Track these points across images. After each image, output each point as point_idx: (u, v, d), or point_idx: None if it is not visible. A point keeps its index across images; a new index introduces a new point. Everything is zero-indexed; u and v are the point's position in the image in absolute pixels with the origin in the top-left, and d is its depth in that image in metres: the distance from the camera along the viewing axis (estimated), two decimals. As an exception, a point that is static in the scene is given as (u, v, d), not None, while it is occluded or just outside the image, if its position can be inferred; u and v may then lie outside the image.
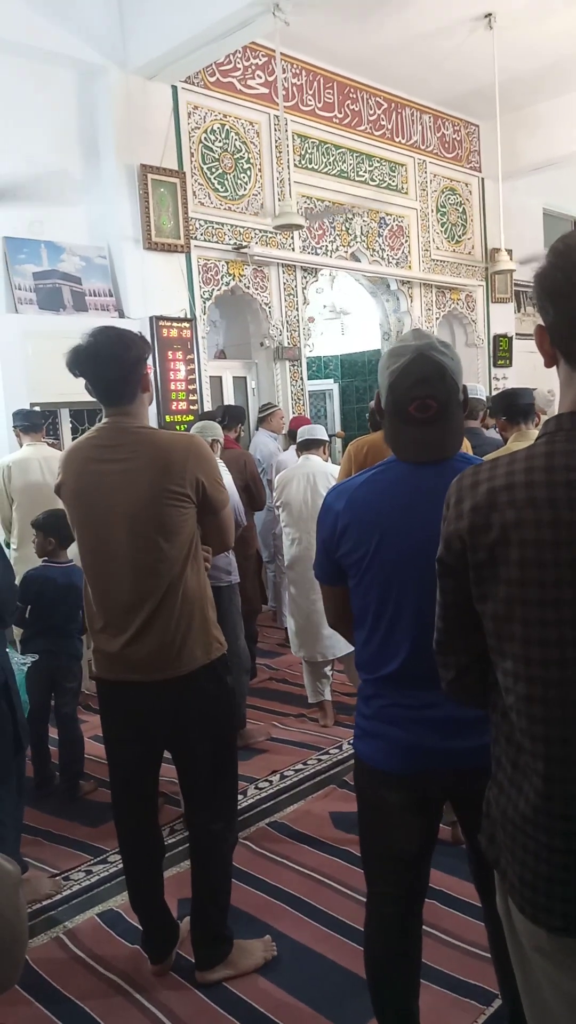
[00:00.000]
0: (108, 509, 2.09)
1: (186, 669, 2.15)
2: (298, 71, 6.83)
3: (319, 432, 4.24)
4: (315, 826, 3.14)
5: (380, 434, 2.86)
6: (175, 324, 5.85)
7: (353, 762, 1.78)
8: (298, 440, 4.30)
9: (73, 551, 3.52)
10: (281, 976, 2.30)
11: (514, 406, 3.09)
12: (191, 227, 6.00)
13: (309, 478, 4.07)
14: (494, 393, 6.07)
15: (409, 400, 1.53)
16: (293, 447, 5.55)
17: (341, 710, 4.29)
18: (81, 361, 2.09)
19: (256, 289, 6.68)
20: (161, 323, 5.74)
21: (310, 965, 2.36)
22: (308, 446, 4.21)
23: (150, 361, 2.18)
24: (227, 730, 2.34)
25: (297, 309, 7.03)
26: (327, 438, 4.33)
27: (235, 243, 6.38)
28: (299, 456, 4.29)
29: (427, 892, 1.80)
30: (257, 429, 6.49)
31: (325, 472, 4.09)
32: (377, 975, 1.75)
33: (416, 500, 1.55)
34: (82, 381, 2.12)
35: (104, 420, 2.17)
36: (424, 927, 1.82)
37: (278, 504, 4.21)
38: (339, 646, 3.99)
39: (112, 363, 2.08)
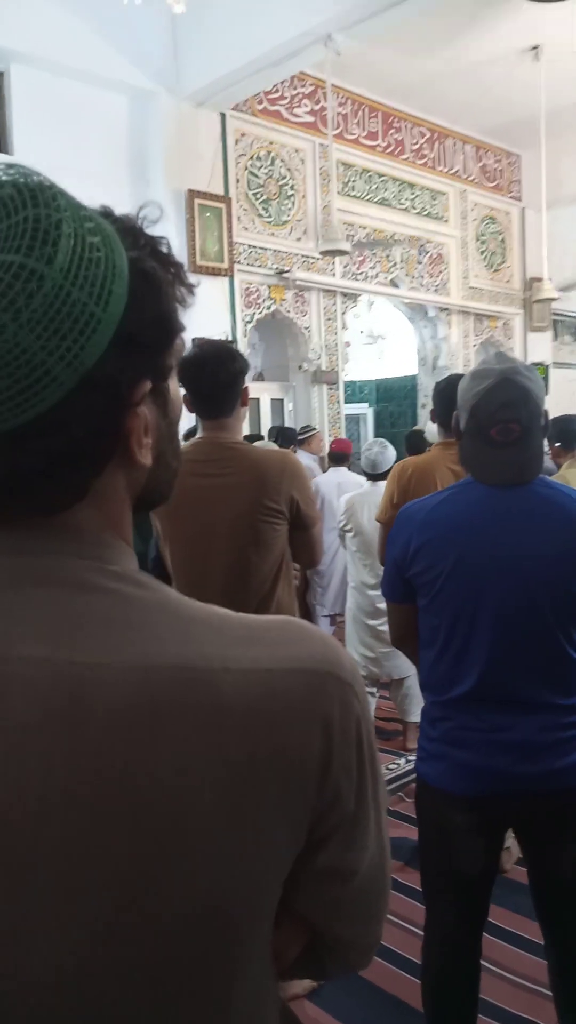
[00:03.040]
0: (204, 524, 2.08)
1: None
2: (343, 100, 6.93)
3: (389, 459, 4.09)
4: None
5: (425, 456, 2.85)
6: (217, 346, 5.91)
7: (414, 786, 1.76)
8: (367, 469, 4.16)
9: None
10: (328, 1001, 2.27)
11: (568, 432, 3.08)
12: (235, 251, 6.08)
13: (376, 506, 4.01)
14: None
15: (492, 423, 1.52)
16: (331, 469, 5.55)
17: (378, 735, 4.26)
18: (187, 370, 2.08)
19: (296, 313, 6.75)
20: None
21: (357, 991, 2.32)
22: (375, 477, 4.12)
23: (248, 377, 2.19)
24: None
25: (336, 333, 7.08)
26: (393, 463, 4.24)
27: (277, 268, 6.45)
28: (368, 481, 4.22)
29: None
30: (296, 451, 6.53)
31: None
32: (436, 999, 1.71)
33: (496, 523, 1.55)
34: None
35: (199, 435, 2.17)
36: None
37: (348, 528, 4.18)
38: (404, 666, 3.97)
39: (219, 372, 2.08)
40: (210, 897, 0.55)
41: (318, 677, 0.59)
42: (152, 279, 0.59)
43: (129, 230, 0.60)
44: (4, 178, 0.55)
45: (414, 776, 3.71)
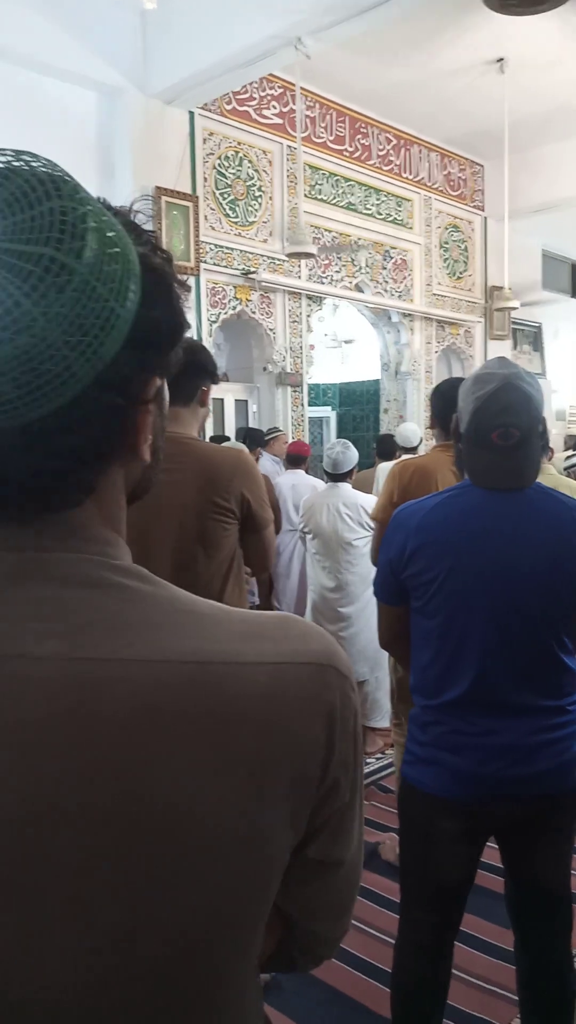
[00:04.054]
0: (150, 520, 2.02)
1: None
2: (312, 104, 6.95)
3: (350, 460, 4.02)
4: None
5: (427, 457, 2.85)
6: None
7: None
8: (328, 468, 4.08)
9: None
10: (285, 1002, 2.27)
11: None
12: (201, 251, 6.06)
13: (336, 508, 3.95)
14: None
15: (493, 427, 1.53)
16: (288, 472, 5.56)
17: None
18: None
19: (262, 314, 6.75)
20: (168, 343, 5.76)
21: (315, 992, 2.32)
22: (336, 477, 4.05)
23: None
24: None
25: (301, 336, 7.09)
26: (354, 464, 4.09)
27: (244, 268, 6.44)
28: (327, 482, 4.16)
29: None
30: (262, 452, 6.52)
31: (356, 503, 3.91)
32: (407, 1003, 1.71)
33: (493, 527, 1.55)
34: None
35: None
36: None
37: (307, 530, 4.14)
38: (362, 671, 3.97)
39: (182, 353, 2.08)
40: (217, 893, 0.55)
41: (321, 670, 0.60)
42: (162, 275, 0.59)
43: (130, 225, 0.59)
44: (18, 165, 0.53)
45: (374, 779, 3.75)
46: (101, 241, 0.53)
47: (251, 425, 7.03)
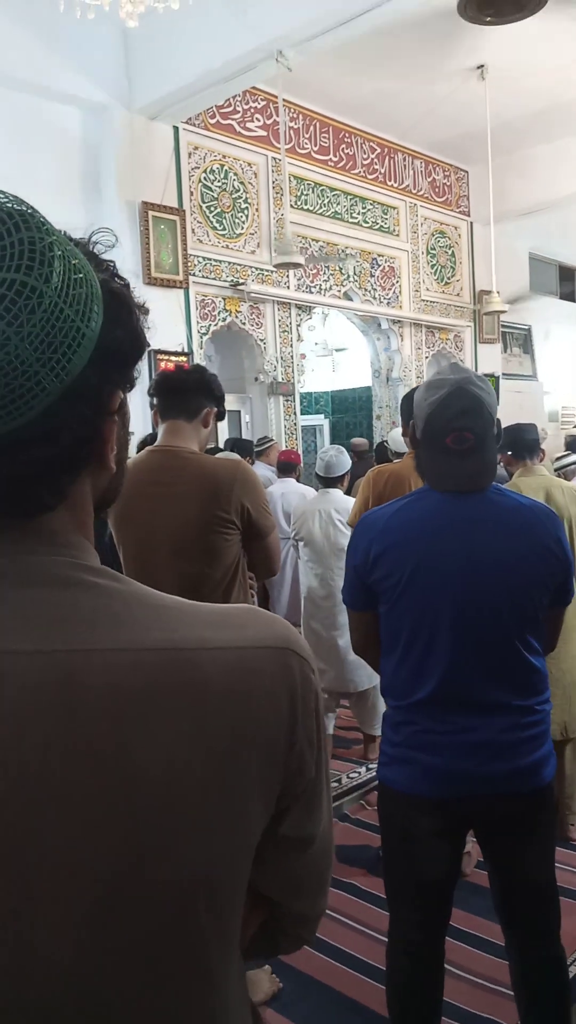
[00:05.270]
0: (152, 533, 2.08)
1: None
2: (295, 115, 7.00)
3: (343, 464, 4.04)
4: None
5: (401, 463, 2.89)
6: (173, 358, 5.92)
7: (376, 794, 1.77)
8: (320, 471, 4.09)
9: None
10: (289, 1008, 2.28)
11: (520, 441, 3.12)
12: (190, 263, 6.09)
13: (328, 514, 3.95)
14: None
15: (447, 431, 1.56)
16: (278, 480, 5.58)
17: (338, 744, 4.27)
18: (162, 374, 2.22)
19: (252, 325, 6.78)
20: (159, 357, 5.80)
21: (318, 997, 2.33)
22: (328, 482, 4.05)
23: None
24: None
25: (291, 345, 7.13)
26: (347, 470, 4.10)
27: (232, 280, 6.48)
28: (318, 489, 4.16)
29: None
30: (254, 462, 6.54)
31: (347, 509, 3.89)
32: (402, 1004, 1.73)
33: (453, 530, 1.58)
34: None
35: (155, 444, 2.19)
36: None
37: (299, 538, 4.15)
38: (360, 680, 3.94)
39: (190, 374, 2.17)
40: (198, 868, 0.59)
41: (282, 653, 0.65)
42: (123, 298, 0.64)
43: (90, 255, 0.65)
44: None
45: (374, 784, 3.73)
46: (67, 267, 0.58)
47: (245, 435, 7.06)
